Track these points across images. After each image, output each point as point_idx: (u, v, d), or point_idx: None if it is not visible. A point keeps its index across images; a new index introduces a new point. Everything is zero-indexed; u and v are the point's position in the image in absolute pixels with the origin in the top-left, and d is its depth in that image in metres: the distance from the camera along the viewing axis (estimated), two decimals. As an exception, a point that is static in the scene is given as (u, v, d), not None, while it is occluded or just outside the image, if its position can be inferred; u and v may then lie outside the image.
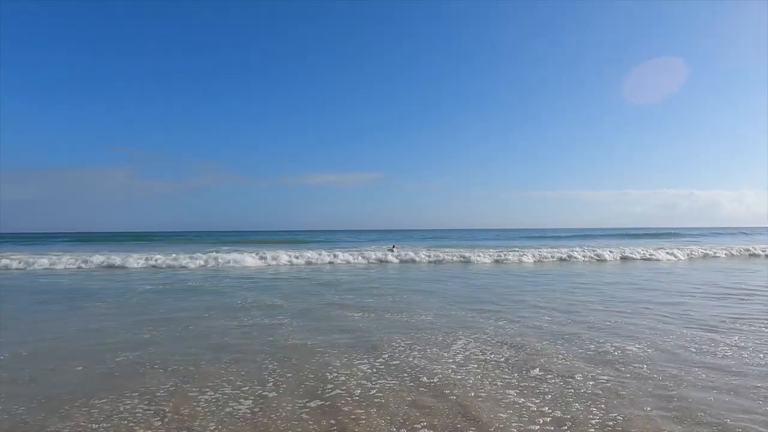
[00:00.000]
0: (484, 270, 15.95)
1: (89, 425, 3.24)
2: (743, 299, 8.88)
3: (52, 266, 16.26)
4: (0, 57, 60.27)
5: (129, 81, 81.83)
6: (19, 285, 11.97)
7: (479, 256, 19.50)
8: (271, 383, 4.15)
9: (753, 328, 6.34)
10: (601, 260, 19.88)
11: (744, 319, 6.93)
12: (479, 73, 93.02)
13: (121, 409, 3.52)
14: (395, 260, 18.86)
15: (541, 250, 21.81)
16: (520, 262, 19.09)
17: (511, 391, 3.90)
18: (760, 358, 4.88)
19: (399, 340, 5.74)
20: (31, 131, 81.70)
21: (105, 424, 3.25)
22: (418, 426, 3.23)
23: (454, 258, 19.36)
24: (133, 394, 3.84)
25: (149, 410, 3.50)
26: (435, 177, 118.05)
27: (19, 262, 16.38)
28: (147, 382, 4.18)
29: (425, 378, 4.32)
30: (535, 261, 19.39)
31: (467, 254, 19.76)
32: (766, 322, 6.73)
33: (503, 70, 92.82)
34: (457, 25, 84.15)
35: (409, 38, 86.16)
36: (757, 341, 5.60)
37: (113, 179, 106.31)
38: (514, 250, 21.77)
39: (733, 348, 5.29)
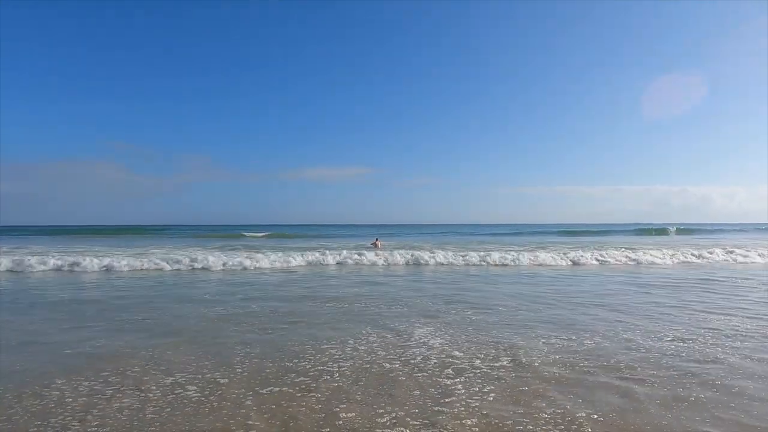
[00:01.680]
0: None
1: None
2: None
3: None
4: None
5: (124, 76, 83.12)
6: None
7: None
8: (238, 368, 4.40)
9: None
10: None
11: None
12: (475, 69, 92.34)
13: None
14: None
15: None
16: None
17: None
18: None
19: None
20: (21, 125, 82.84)
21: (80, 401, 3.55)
22: (348, 412, 3.41)
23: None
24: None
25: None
26: (429, 173, 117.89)
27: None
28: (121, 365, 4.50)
29: (387, 365, 4.50)
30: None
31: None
32: None
33: (499, 67, 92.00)
34: (456, 20, 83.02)
35: (406, 34, 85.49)
36: None
37: (106, 173, 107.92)
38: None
39: None
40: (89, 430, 3.12)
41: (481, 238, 37.31)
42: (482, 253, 16.60)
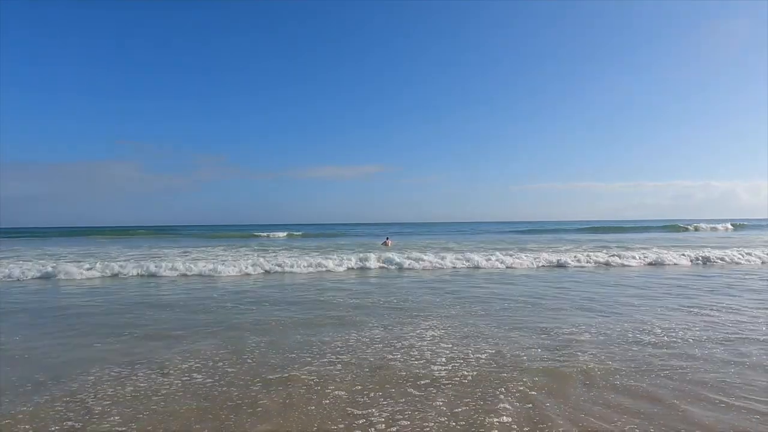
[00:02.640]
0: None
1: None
2: None
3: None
4: (9, 53, 65.16)
5: (135, 76, 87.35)
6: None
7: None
8: (247, 356, 4.91)
9: None
10: None
11: None
12: (485, 65, 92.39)
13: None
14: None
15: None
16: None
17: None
18: None
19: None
20: (38, 126, 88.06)
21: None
22: (337, 390, 3.83)
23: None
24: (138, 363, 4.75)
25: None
26: (440, 170, 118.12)
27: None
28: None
29: (386, 355, 4.90)
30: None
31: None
32: None
33: (510, 63, 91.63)
34: (468, 19, 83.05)
35: (418, 32, 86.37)
36: None
37: (121, 173, 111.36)
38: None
39: None
40: (103, 405, 3.68)
41: (496, 236, 37.20)
42: (494, 252, 16.80)
